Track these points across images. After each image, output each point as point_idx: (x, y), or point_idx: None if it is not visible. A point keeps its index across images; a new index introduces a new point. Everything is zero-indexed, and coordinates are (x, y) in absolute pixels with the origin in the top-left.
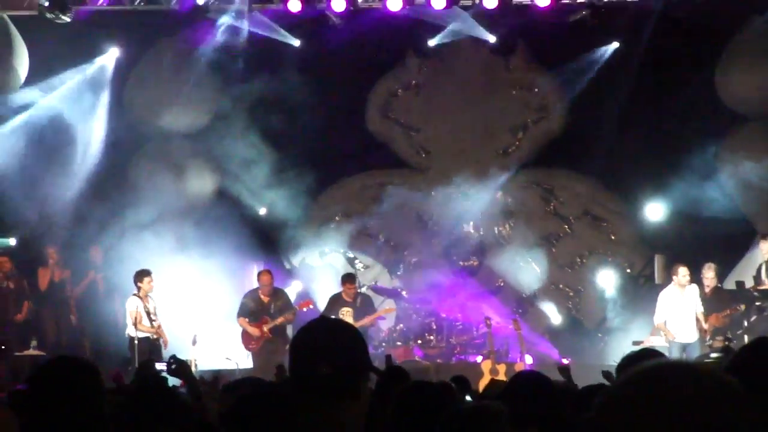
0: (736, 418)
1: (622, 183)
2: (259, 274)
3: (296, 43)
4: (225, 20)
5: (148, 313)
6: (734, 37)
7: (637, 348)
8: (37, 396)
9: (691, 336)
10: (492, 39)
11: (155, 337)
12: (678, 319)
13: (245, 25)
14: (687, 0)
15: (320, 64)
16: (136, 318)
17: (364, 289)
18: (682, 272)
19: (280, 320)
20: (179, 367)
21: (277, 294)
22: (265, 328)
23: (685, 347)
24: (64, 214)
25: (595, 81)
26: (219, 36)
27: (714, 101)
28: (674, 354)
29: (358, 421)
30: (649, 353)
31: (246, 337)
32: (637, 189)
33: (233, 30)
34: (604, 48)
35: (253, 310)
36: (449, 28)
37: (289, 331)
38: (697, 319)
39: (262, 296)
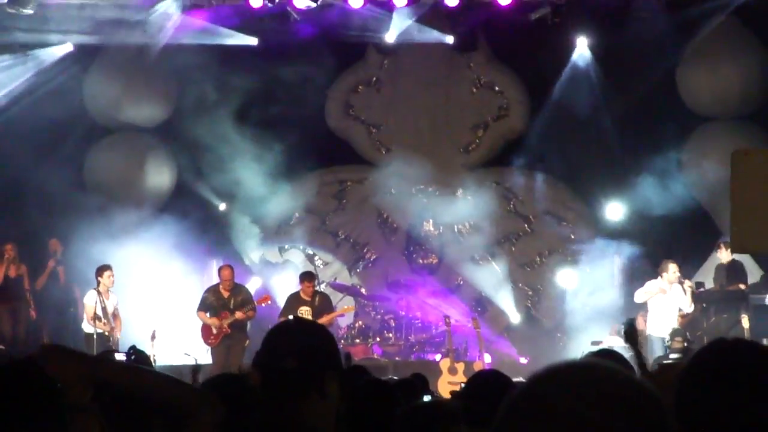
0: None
1: (582, 182)
2: (220, 268)
3: (254, 41)
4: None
5: (104, 309)
6: (695, 38)
7: (596, 348)
8: None
9: (667, 333)
10: (450, 40)
11: (107, 334)
12: (661, 313)
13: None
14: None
15: (280, 59)
16: (94, 313)
17: (323, 286)
18: (673, 269)
19: (239, 315)
20: (139, 359)
21: (238, 289)
22: (225, 323)
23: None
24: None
25: (556, 80)
26: (175, 31)
27: (675, 101)
28: (656, 348)
29: (326, 422)
30: (607, 354)
31: (205, 332)
32: (598, 189)
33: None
34: (565, 46)
35: (213, 304)
36: (404, 29)
37: (249, 328)
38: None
39: (222, 291)
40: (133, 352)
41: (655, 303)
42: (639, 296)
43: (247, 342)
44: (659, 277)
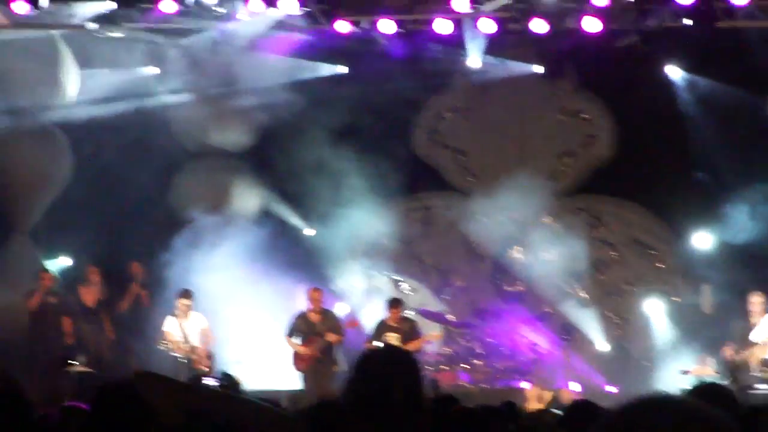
0: None
1: (670, 211)
2: (310, 291)
3: (344, 70)
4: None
5: (185, 334)
6: None
7: (685, 377)
8: (99, 418)
9: None
10: (539, 70)
11: (193, 358)
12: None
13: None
14: (739, 28)
15: (367, 85)
16: (171, 337)
17: (410, 314)
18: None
19: (331, 338)
20: (229, 384)
21: (327, 314)
22: (315, 348)
23: None
24: (103, 229)
25: (644, 107)
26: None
27: (766, 130)
28: None
29: None
30: (710, 390)
31: (295, 357)
32: (685, 217)
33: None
34: (653, 74)
35: (302, 329)
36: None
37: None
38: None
39: (311, 316)
40: (224, 377)
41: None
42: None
43: (336, 368)
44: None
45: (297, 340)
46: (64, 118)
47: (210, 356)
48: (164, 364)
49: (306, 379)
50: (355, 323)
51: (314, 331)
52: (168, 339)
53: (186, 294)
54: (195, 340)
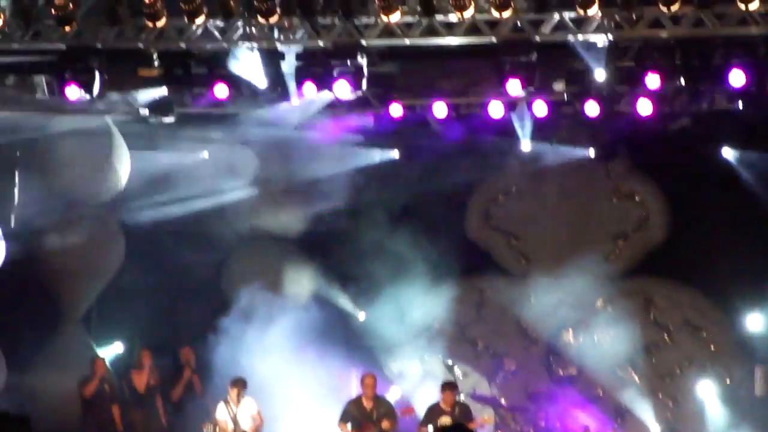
0: None
1: (722, 292)
2: (363, 377)
3: (395, 154)
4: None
5: (235, 421)
6: None
7: None
8: None
9: None
10: (591, 153)
11: None
12: None
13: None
14: None
15: (420, 168)
16: (220, 424)
17: (462, 397)
18: None
19: (386, 426)
20: None
21: (380, 401)
22: None
23: None
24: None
25: (696, 189)
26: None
27: None
28: None
29: None
30: None
31: None
32: (738, 298)
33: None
34: (706, 157)
35: (356, 416)
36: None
37: None
38: None
39: (364, 402)
40: None
41: None
42: None
43: None
44: None
45: (349, 427)
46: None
47: None
48: None
49: None
50: (411, 410)
51: (367, 417)
52: (217, 425)
53: (237, 382)
54: (245, 426)
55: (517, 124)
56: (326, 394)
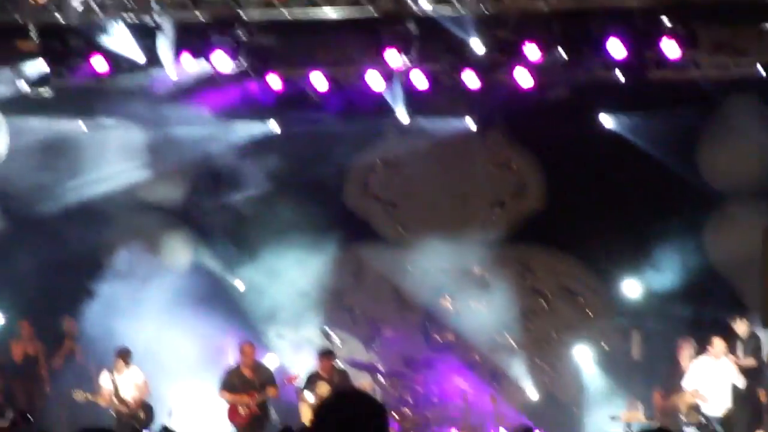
0: None
1: (598, 260)
2: (241, 345)
3: (274, 126)
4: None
5: (116, 389)
6: (715, 115)
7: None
8: None
9: (719, 409)
10: (471, 124)
11: (125, 412)
12: (709, 391)
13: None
14: (669, 80)
15: (299, 138)
16: (105, 392)
17: (340, 364)
18: (717, 343)
19: (272, 392)
20: None
21: (260, 368)
22: (253, 403)
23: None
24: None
25: (574, 158)
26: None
27: (695, 178)
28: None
29: None
30: None
31: (233, 412)
32: (614, 265)
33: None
34: (583, 125)
35: (237, 385)
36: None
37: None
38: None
39: (244, 370)
40: (164, 431)
41: (703, 380)
42: (684, 383)
43: (269, 421)
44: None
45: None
46: None
47: (146, 409)
48: (97, 418)
49: None
50: (295, 377)
51: (249, 385)
52: (102, 393)
53: (122, 351)
54: (128, 394)
55: (391, 96)
56: (204, 362)
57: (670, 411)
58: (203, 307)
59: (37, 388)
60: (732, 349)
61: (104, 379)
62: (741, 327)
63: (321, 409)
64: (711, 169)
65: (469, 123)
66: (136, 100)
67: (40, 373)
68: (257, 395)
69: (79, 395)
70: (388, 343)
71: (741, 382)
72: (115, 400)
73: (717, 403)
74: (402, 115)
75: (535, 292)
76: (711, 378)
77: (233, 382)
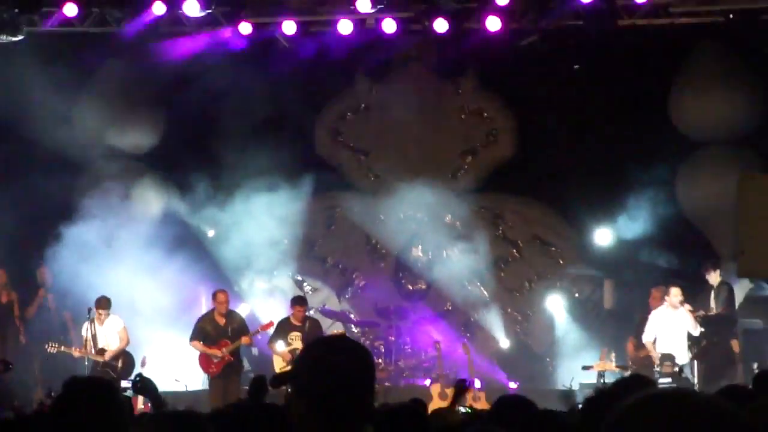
0: None
1: (571, 208)
2: (215, 293)
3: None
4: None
5: (94, 337)
6: (686, 63)
7: (587, 372)
8: (61, 417)
9: (680, 358)
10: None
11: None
12: (668, 340)
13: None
14: (639, 27)
15: (269, 86)
16: (85, 343)
17: (312, 312)
18: (674, 292)
19: (245, 341)
20: (144, 385)
21: (232, 316)
22: (226, 351)
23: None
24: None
25: (545, 106)
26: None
27: (666, 126)
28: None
29: None
30: (641, 380)
31: (204, 361)
32: (586, 214)
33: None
34: (554, 73)
35: (210, 333)
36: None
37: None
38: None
39: (217, 317)
40: (140, 379)
41: (662, 330)
42: (644, 336)
43: (242, 369)
44: (663, 303)
45: (204, 343)
46: None
47: (126, 358)
48: (69, 367)
49: (216, 383)
50: (271, 324)
51: (222, 333)
52: (76, 344)
53: (100, 301)
54: (107, 344)
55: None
56: (177, 310)
57: (643, 360)
58: (174, 255)
59: (11, 336)
60: (705, 299)
61: (84, 330)
62: (713, 276)
63: (304, 356)
64: (683, 117)
65: (440, 70)
66: (107, 46)
67: (14, 321)
68: (230, 344)
69: (52, 347)
70: (360, 292)
71: (697, 331)
72: (91, 350)
73: (678, 353)
74: (374, 60)
75: (507, 241)
76: (669, 327)
77: (206, 330)
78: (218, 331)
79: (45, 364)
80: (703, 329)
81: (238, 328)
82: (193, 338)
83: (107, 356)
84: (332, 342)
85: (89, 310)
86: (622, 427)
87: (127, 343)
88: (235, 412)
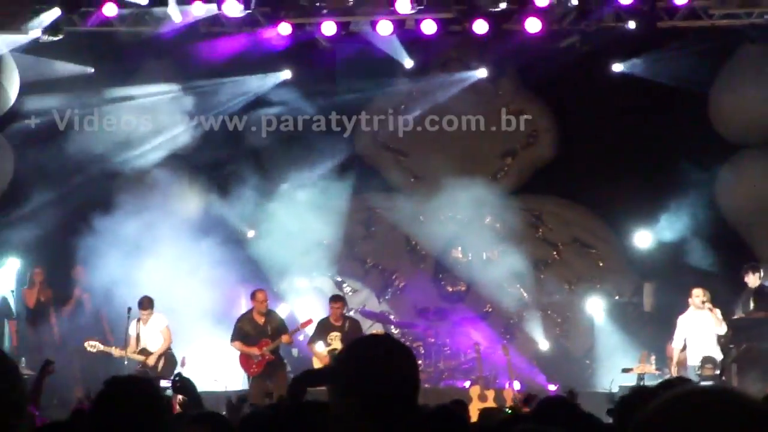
0: None
1: (611, 210)
2: (254, 292)
3: (287, 73)
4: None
5: (137, 339)
6: (727, 66)
7: (627, 375)
8: (101, 417)
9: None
10: (481, 74)
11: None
12: (698, 342)
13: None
14: (678, 28)
15: (310, 88)
16: (129, 341)
17: (352, 313)
18: (696, 293)
19: (285, 339)
20: (184, 384)
21: (272, 315)
22: (266, 350)
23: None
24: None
25: (586, 107)
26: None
27: (706, 129)
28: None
29: None
30: (683, 382)
31: (246, 361)
32: (626, 216)
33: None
34: (594, 74)
35: (249, 333)
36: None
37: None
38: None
39: (256, 317)
40: (179, 379)
41: (691, 333)
42: (674, 343)
43: (285, 368)
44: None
45: (244, 343)
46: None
47: (167, 359)
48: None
49: (258, 382)
50: (310, 321)
51: (262, 332)
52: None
53: (142, 301)
54: (151, 345)
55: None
56: (215, 310)
57: (684, 363)
58: (215, 254)
59: (47, 334)
60: (745, 302)
61: (131, 329)
62: (753, 279)
63: (350, 355)
64: (723, 119)
65: (480, 72)
66: (144, 47)
67: (50, 320)
68: (270, 342)
69: (91, 346)
70: (400, 293)
71: (722, 329)
72: (130, 350)
73: (709, 354)
74: (408, 63)
75: (548, 243)
76: (696, 329)
77: (245, 329)
78: (258, 331)
79: (85, 364)
80: (735, 331)
81: (278, 327)
82: (233, 339)
83: (151, 359)
84: (380, 340)
85: (129, 309)
86: (656, 422)
87: (170, 342)
88: (271, 413)
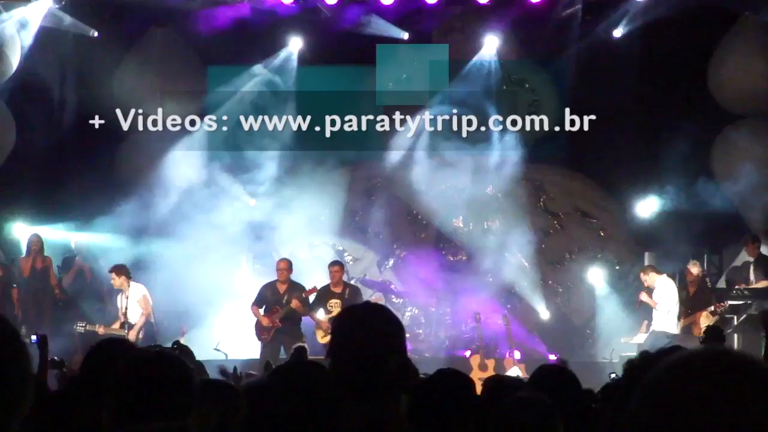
0: None
1: (612, 180)
2: (278, 262)
3: (298, 43)
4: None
5: (124, 314)
6: (727, 35)
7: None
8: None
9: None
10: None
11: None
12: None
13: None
14: None
15: (313, 55)
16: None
17: (353, 282)
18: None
19: (294, 304)
20: (181, 353)
21: (293, 285)
22: (276, 318)
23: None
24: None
25: (587, 77)
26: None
27: (706, 99)
28: (658, 345)
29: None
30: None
31: (258, 327)
32: (628, 186)
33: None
34: (597, 44)
35: (268, 299)
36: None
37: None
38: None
39: (279, 285)
40: (177, 347)
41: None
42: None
43: (300, 339)
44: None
45: (262, 311)
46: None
47: (147, 329)
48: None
49: (267, 349)
50: (314, 290)
51: (278, 301)
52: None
53: (118, 269)
54: (131, 316)
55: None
56: (217, 280)
57: (685, 331)
58: (217, 224)
59: (48, 300)
60: (744, 272)
61: (118, 301)
62: (752, 249)
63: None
64: (721, 88)
65: (482, 40)
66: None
67: (50, 285)
68: (280, 310)
69: (80, 327)
70: (401, 262)
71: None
72: (116, 326)
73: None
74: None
75: (549, 213)
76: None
77: (266, 296)
78: (276, 298)
79: (86, 333)
80: (743, 302)
81: (294, 295)
82: (253, 303)
83: (132, 334)
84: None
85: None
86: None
87: (149, 312)
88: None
